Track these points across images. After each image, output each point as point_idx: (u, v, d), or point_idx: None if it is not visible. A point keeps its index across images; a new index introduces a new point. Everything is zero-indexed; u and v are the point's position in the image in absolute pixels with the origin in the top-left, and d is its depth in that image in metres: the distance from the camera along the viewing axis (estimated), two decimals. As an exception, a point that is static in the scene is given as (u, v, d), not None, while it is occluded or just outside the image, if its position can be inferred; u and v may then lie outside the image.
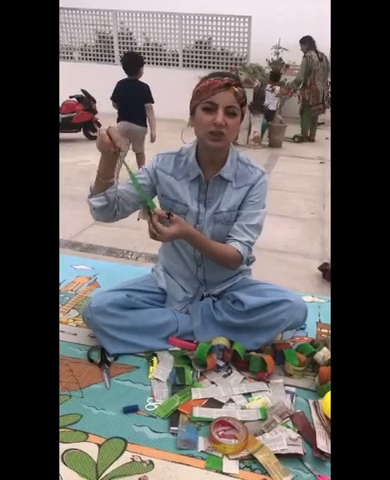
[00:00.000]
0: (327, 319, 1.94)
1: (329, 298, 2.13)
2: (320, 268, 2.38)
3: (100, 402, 1.39)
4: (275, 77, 6.53)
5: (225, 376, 1.54)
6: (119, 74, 8.97)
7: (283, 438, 1.27)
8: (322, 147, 6.57)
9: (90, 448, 1.23)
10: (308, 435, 1.31)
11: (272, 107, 6.38)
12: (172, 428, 1.31)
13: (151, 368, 1.54)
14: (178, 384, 1.47)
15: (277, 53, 8.04)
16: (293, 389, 1.50)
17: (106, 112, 6.65)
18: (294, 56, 8.10)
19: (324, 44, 8.90)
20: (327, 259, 2.47)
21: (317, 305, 2.06)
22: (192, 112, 1.44)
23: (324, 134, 6.95)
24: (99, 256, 2.51)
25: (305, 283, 2.29)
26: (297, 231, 3.05)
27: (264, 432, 1.30)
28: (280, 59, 8.14)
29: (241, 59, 8.21)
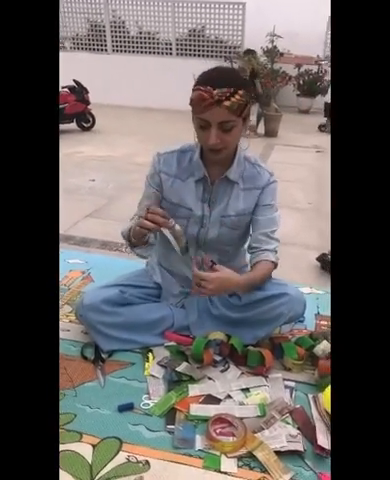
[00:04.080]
0: (326, 311, 1.90)
1: (328, 289, 2.09)
2: (318, 259, 2.34)
3: (94, 401, 1.35)
4: None
5: (222, 371, 1.51)
6: (111, 63, 8.83)
7: (283, 435, 1.24)
8: (318, 135, 6.51)
9: (84, 449, 1.19)
10: (308, 431, 1.28)
11: None
12: (169, 426, 1.27)
13: (147, 364, 1.51)
14: (175, 380, 1.44)
15: (272, 41, 7.92)
16: (292, 383, 1.47)
17: (99, 102, 6.56)
18: (288, 44, 7.99)
19: (318, 29, 8.78)
20: (325, 250, 2.43)
21: (315, 297, 2.02)
22: (193, 117, 1.35)
23: (318, 122, 6.89)
24: (93, 249, 2.46)
25: (303, 274, 2.26)
26: (295, 221, 3.00)
27: (263, 429, 1.27)
28: (275, 47, 8.03)
29: (235, 47, 8.10)
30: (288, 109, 7.36)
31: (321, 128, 6.78)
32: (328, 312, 1.90)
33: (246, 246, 1.63)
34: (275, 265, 1.52)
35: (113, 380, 1.45)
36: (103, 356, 1.53)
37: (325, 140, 6.14)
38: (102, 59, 8.36)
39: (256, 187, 1.49)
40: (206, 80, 1.26)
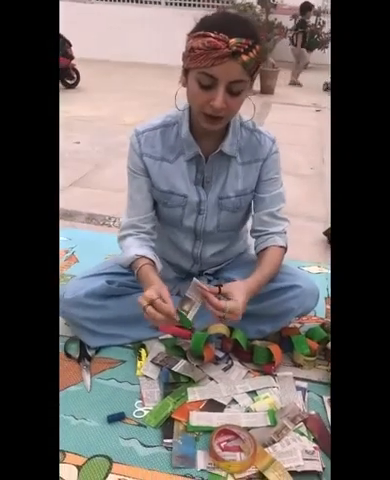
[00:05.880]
0: (337, 294, 1.72)
1: (337, 268, 1.91)
2: (325, 233, 2.14)
3: (80, 409, 1.18)
4: None
5: (225, 369, 1.33)
6: (94, 14, 8.25)
7: (298, 451, 1.08)
8: (317, 93, 6.17)
9: (68, 471, 1.02)
10: (325, 443, 1.12)
11: None
12: (166, 441, 1.10)
13: (139, 363, 1.32)
14: (171, 382, 1.26)
15: (268, -12, 7.38)
16: (305, 384, 1.30)
17: (84, 57, 6.11)
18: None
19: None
20: (332, 222, 2.23)
21: (325, 277, 1.84)
22: (185, 72, 1.06)
23: (316, 78, 6.52)
24: (77, 224, 2.23)
25: (311, 251, 2.06)
26: (298, 189, 2.77)
27: (274, 442, 1.11)
28: (271, -5, 7.49)
29: (229, -4, 7.55)
30: (286, 65, 6.92)
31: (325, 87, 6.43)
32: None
33: (248, 228, 1.41)
34: (285, 249, 1.31)
35: (101, 382, 1.27)
36: (89, 353, 1.34)
37: (325, 98, 5.81)
38: (84, 9, 7.77)
39: (257, 159, 1.25)
40: (217, 26, 0.96)
